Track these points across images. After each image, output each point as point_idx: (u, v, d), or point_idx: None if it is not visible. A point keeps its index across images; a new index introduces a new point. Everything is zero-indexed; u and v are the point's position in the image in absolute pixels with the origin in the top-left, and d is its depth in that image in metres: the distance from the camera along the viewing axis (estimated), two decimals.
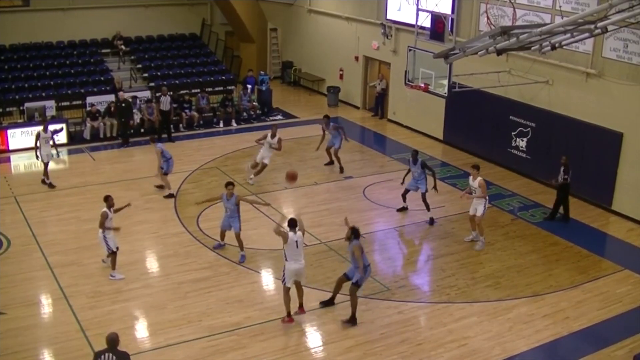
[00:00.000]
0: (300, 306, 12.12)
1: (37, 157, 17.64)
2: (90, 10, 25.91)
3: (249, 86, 24.81)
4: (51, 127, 18.85)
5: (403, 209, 16.61)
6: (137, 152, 20.73)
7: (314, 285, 13.07)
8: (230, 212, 14.01)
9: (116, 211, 13.46)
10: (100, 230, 13.09)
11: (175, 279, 13.37)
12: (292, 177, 13.48)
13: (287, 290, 11.76)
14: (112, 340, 8.78)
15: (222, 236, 14.49)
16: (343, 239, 14.87)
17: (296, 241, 11.60)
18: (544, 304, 12.79)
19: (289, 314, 11.89)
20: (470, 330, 11.89)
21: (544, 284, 13.52)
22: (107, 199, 13.26)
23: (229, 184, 14.04)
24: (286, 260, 11.66)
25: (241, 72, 27.16)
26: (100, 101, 22.28)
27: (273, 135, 17.97)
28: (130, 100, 21.69)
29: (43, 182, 17.70)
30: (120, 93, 21.74)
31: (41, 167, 17.90)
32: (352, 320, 11.91)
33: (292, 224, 11.75)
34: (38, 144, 17.52)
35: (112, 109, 21.68)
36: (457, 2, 19.58)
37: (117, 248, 13.31)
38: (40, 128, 17.97)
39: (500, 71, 18.51)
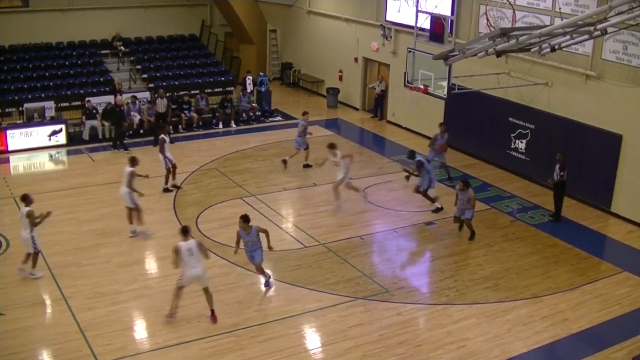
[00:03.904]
0: (212, 313, 11.94)
1: None
2: (89, 11, 25.92)
3: (249, 86, 24.81)
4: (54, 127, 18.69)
5: (438, 210, 16.63)
6: (136, 153, 20.60)
7: (313, 286, 13.06)
8: (253, 244, 12.60)
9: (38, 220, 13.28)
10: (28, 231, 13.02)
11: (174, 280, 13.29)
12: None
13: (179, 288, 11.78)
14: None
15: (262, 271, 13.17)
16: (342, 240, 14.99)
17: (189, 249, 11.53)
18: (543, 305, 12.79)
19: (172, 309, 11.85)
20: (470, 332, 11.88)
21: (543, 285, 13.52)
22: (26, 198, 13.11)
23: (244, 219, 12.39)
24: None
25: (240, 73, 27.18)
26: (100, 102, 22.27)
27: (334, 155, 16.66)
28: (124, 106, 21.63)
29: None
30: (119, 97, 21.69)
31: (44, 168, 17.93)
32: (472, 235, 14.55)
33: (184, 231, 11.71)
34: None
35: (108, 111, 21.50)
36: (456, 3, 19.60)
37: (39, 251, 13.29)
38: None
39: (499, 73, 18.53)
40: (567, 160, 16.17)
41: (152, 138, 21.41)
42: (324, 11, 26.30)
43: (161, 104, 21.40)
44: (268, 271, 13.22)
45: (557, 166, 16.01)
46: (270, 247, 12.82)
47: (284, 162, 19.19)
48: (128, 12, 26.68)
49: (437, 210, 16.46)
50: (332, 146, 16.57)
